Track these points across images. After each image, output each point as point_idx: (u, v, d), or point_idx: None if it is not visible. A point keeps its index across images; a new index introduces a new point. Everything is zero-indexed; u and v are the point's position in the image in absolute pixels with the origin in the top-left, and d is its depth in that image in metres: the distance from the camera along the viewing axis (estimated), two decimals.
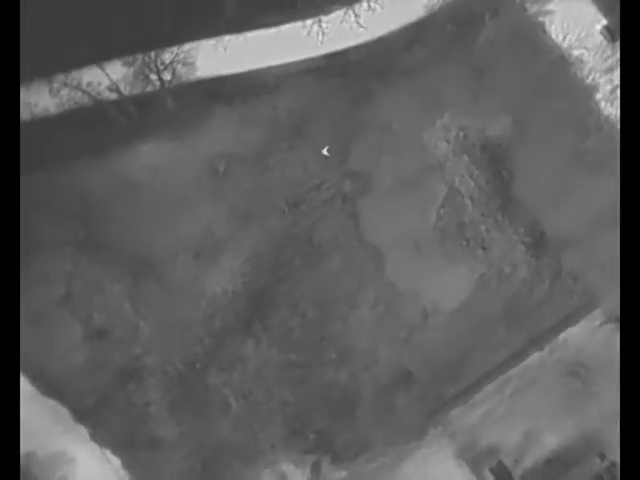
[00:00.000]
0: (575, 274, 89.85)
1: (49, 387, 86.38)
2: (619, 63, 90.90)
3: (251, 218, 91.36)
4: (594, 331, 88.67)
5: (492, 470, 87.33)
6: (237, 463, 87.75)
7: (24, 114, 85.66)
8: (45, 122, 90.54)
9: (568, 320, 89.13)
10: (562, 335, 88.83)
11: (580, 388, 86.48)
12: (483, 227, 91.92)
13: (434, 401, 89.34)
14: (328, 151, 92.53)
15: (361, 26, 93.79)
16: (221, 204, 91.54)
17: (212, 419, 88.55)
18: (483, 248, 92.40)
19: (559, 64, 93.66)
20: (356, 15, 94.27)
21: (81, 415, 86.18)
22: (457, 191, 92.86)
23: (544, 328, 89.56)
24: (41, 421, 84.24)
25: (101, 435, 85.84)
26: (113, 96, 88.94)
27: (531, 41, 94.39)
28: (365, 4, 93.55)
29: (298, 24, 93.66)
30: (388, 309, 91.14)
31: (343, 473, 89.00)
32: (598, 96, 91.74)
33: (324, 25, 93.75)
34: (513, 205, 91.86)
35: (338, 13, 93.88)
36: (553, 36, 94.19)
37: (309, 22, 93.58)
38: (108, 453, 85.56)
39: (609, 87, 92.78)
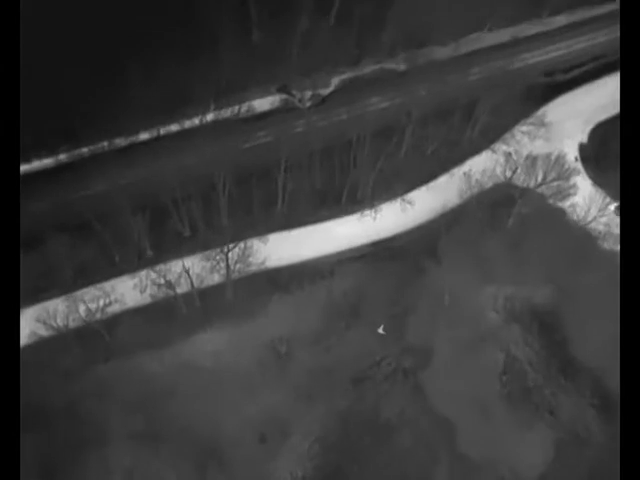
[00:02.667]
0: None
1: None
2: None
3: (316, 398, 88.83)
4: None
5: None
6: None
7: None
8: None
9: None
10: None
11: None
12: (547, 391, 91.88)
13: None
14: (384, 329, 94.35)
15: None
16: (285, 385, 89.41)
17: None
18: (551, 412, 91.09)
19: (585, 237, 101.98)
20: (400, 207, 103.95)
21: None
22: (515, 358, 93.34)
23: None
24: None
25: None
26: (184, 289, 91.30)
27: (556, 220, 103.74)
28: (405, 195, 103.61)
29: (345, 218, 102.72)
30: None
31: None
32: None
33: (367, 218, 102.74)
34: (574, 367, 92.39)
35: (380, 207, 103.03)
36: (574, 217, 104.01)
37: (354, 217, 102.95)
38: None
39: None
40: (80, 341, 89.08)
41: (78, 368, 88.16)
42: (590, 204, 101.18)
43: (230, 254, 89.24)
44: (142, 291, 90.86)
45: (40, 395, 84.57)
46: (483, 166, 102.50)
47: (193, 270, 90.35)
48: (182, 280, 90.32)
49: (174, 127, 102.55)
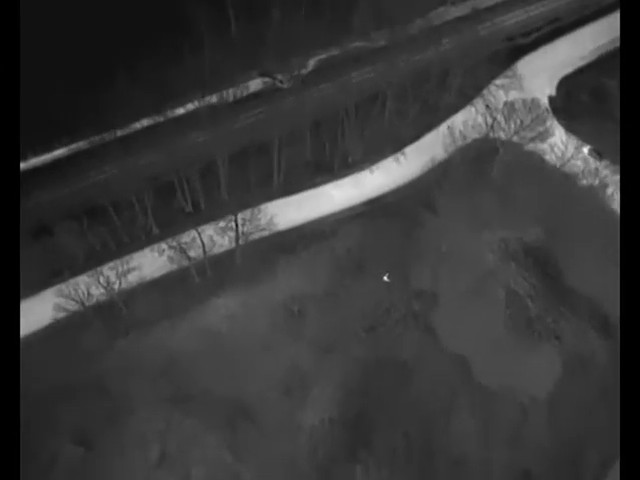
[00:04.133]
0: None
1: None
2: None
3: (332, 349, 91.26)
4: None
5: None
6: None
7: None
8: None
9: None
10: None
11: None
12: (549, 319, 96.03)
13: None
14: (388, 277, 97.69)
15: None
16: (302, 341, 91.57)
17: None
18: (555, 338, 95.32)
19: (564, 177, 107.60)
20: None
21: None
22: (515, 292, 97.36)
23: None
24: None
25: None
26: (198, 257, 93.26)
27: (536, 165, 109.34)
28: (395, 156, 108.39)
29: (339, 182, 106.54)
30: (486, 411, 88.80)
31: None
32: (608, 193, 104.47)
33: (361, 179, 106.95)
34: (570, 295, 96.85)
35: (371, 168, 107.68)
36: (552, 163, 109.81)
37: (347, 180, 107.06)
38: None
39: (610, 190, 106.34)
40: (100, 317, 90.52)
41: (101, 344, 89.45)
42: (565, 148, 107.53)
43: (238, 221, 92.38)
44: (159, 254, 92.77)
45: (67, 371, 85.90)
46: (465, 120, 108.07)
47: (197, 242, 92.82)
48: (192, 250, 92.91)
49: (170, 114, 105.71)
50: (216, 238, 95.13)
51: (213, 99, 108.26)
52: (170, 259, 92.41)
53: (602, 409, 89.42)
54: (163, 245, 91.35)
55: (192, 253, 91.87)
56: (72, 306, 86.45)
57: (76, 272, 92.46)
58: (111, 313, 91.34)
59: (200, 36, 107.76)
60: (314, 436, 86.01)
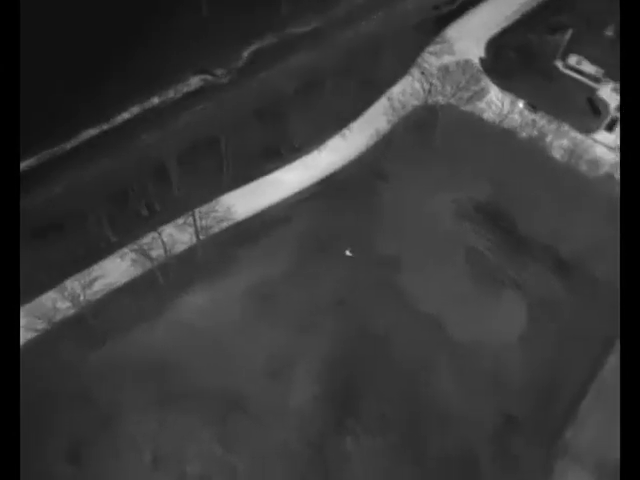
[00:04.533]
0: (609, 279, 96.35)
1: None
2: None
3: (308, 327, 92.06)
4: None
5: None
6: None
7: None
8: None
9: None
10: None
11: None
12: (509, 268, 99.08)
13: (547, 431, 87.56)
14: (351, 252, 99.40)
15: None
16: (277, 324, 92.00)
17: None
18: (517, 285, 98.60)
19: (504, 132, 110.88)
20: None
21: None
22: (474, 248, 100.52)
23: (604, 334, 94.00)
24: None
25: None
26: (161, 258, 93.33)
27: (476, 125, 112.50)
28: (340, 133, 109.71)
29: (288, 167, 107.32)
30: (463, 364, 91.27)
31: None
32: (547, 142, 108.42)
33: (309, 161, 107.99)
34: (526, 243, 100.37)
35: (319, 148, 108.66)
36: (490, 120, 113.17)
37: (296, 163, 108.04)
38: None
39: (549, 138, 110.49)
40: (71, 332, 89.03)
41: (77, 357, 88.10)
42: (502, 105, 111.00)
43: (196, 216, 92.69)
44: (122, 259, 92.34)
45: (51, 386, 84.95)
46: (403, 89, 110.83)
47: (158, 242, 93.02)
48: (154, 251, 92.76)
49: (115, 121, 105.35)
50: (177, 236, 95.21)
51: (155, 101, 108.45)
52: (134, 262, 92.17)
53: (568, 344, 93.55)
54: (125, 249, 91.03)
55: (154, 254, 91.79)
56: (41, 325, 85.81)
57: (41, 290, 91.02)
58: (82, 326, 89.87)
59: (134, 39, 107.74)
60: (303, 415, 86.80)
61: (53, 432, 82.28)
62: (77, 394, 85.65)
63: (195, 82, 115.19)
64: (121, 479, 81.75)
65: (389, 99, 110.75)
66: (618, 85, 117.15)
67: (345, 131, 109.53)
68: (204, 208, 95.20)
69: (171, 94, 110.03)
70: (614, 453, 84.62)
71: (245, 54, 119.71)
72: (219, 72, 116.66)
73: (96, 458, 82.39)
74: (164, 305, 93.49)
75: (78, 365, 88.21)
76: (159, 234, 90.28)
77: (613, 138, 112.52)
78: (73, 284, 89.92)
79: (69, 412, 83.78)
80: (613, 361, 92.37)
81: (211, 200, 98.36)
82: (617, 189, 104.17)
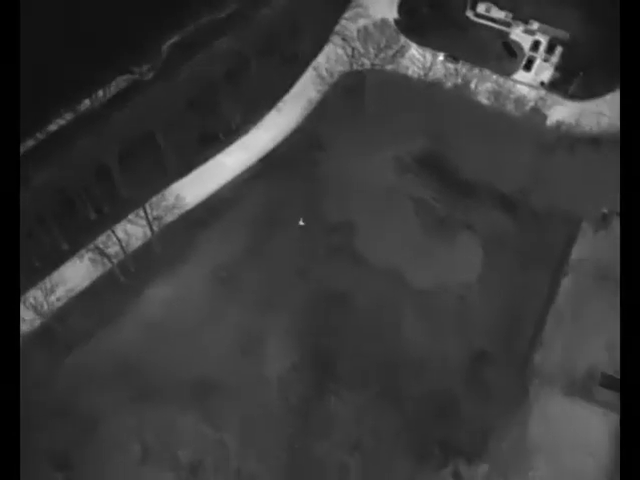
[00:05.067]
0: (549, 208, 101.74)
1: None
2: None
3: (273, 301, 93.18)
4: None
5: (602, 385, 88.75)
6: None
7: None
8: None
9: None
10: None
11: None
12: (459, 213, 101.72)
13: (517, 358, 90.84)
14: (303, 221, 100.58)
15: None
16: (241, 303, 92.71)
17: None
18: (469, 227, 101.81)
19: (429, 86, 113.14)
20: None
21: None
22: (420, 199, 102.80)
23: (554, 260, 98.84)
24: None
25: None
26: (119, 256, 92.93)
27: (402, 82, 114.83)
28: (274, 110, 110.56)
29: (228, 149, 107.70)
30: (429, 311, 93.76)
31: (484, 467, 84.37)
32: (472, 88, 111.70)
33: (247, 142, 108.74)
34: (469, 187, 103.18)
35: (256, 127, 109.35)
36: (416, 76, 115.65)
37: (235, 145, 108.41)
38: None
39: (473, 84, 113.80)
40: (38, 343, 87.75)
41: (47, 368, 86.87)
42: (424, 59, 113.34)
43: (147, 210, 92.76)
44: (80, 260, 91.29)
45: (26, 402, 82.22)
46: (327, 57, 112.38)
47: (114, 240, 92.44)
48: (111, 250, 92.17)
49: (49, 129, 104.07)
50: (131, 232, 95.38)
51: (86, 104, 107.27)
52: (92, 264, 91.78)
53: (523, 275, 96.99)
54: (82, 252, 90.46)
55: (112, 253, 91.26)
56: None
57: None
58: (48, 336, 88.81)
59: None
60: (283, 385, 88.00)
61: (37, 445, 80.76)
62: (54, 406, 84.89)
63: (120, 83, 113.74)
64: (114, 478, 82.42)
65: (315, 69, 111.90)
66: (528, 26, 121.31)
67: (278, 107, 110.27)
68: (153, 200, 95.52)
69: (98, 97, 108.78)
70: (580, 370, 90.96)
71: (164, 48, 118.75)
72: (142, 69, 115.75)
73: (85, 462, 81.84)
74: (128, 303, 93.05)
75: (49, 377, 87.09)
76: (113, 232, 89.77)
77: (532, 76, 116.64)
78: (35, 294, 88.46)
79: (49, 424, 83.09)
80: (566, 285, 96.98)
81: (158, 193, 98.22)
82: (545, 122, 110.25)
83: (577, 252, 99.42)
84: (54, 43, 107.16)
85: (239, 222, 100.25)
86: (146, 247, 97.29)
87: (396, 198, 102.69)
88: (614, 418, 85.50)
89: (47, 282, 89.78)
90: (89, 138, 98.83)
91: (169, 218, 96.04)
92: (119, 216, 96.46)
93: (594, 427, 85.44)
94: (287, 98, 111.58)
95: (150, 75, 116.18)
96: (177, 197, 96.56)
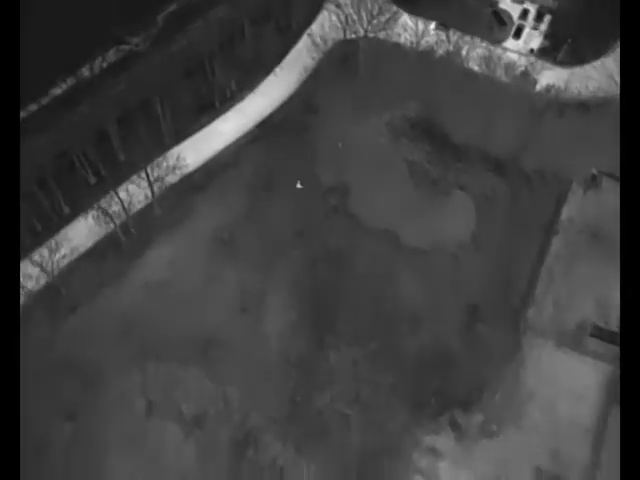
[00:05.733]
0: (539, 170, 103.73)
1: None
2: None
3: (271, 261, 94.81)
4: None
5: (593, 335, 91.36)
6: (386, 462, 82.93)
7: None
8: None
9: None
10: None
11: None
12: (452, 175, 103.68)
13: (510, 314, 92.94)
14: (301, 184, 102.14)
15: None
16: (241, 263, 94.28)
17: (340, 438, 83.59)
18: (462, 188, 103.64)
19: (421, 53, 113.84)
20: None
21: None
22: (414, 162, 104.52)
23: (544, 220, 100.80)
24: None
25: None
26: (122, 218, 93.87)
27: (394, 50, 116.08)
28: (270, 77, 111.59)
29: (225, 116, 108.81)
30: (424, 269, 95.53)
31: (479, 416, 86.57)
32: (463, 55, 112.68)
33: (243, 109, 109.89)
34: (460, 150, 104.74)
35: (251, 94, 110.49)
36: (408, 44, 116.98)
37: (232, 112, 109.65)
38: None
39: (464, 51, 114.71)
40: (42, 304, 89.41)
41: (51, 327, 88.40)
42: (416, 27, 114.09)
43: (148, 172, 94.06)
44: (85, 219, 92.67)
45: (30, 362, 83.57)
46: (322, 25, 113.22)
47: (116, 202, 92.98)
48: (114, 212, 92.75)
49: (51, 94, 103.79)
50: (133, 195, 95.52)
51: (86, 72, 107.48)
52: (96, 222, 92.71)
53: (516, 234, 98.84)
54: (83, 215, 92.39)
55: (114, 213, 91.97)
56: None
57: None
58: (52, 295, 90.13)
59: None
60: (283, 339, 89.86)
61: (43, 401, 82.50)
62: (59, 361, 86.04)
63: (115, 54, 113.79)
64: (119, 431, 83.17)
65: (310, 36, 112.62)
66: None
67: (274, 74, 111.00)
68: (154, 163, 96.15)
69: (99, 64, 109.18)
70: (571, 323, 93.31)
71: (159, 18, 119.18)
72: (136, 40, 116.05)
73: (89, 420, 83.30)
74: (129, 264, 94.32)
75: (54, 334, 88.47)
76: (116, 193, 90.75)
77: (522, 44, 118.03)
78: (42, 252, 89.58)
79: (56, 378, 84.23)
80: (556, 243, 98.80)
81: (157, 157, 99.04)
82: (535, 86, 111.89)
83: (567, 212, 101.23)
84: (53, 13, 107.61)
85: (237, 185, 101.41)
86: (147, 210, 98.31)
87: (390, 161, 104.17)
88: (603, 367, 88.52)
89: (52, 242, 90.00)
90: (89, 104, 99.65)
91: (170, 179, 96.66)
92: (119, 180, 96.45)
93: (585, 376, 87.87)
94: (282, 65, 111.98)
95: (147, 44, 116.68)
96: (178, 158, 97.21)
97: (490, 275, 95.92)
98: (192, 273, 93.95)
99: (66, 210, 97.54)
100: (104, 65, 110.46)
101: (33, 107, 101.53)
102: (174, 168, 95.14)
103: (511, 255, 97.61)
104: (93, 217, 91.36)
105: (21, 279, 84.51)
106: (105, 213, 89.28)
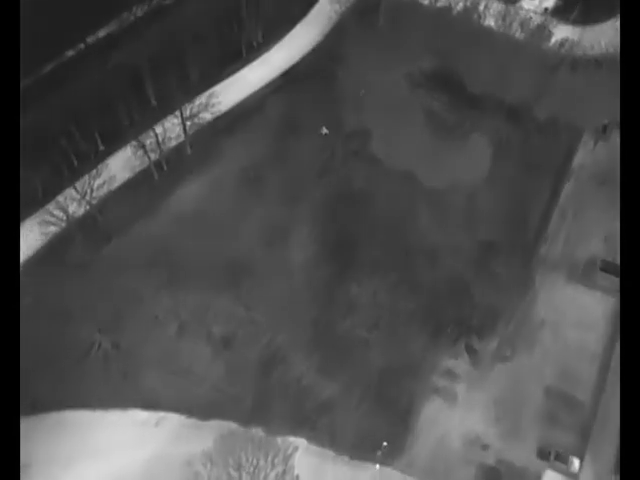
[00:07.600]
0: (552, 119, 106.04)
1: (207, 413, 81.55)
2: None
3: (296, 198, 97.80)
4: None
5: (603, 269, 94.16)
6: (405, 382, 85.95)
7: None
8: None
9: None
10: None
11: None
12: (468, 123, 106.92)
13: (524, 250, 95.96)
14: (326, 129, 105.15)
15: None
16: (267, 200, 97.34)
17: (361, 359, 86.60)
18: (477, 133, 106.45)
19: (439, 10, 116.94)
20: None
21: (248, 421, 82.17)
22: (432, 111, 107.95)
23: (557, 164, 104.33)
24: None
25: (274, 430, 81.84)
26: (156, 154, 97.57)
27: (414, 4, 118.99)
28: (294, 29, 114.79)
29: (251, 65, 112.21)
30: (441, 206, 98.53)
31: (494, 342, 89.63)
32: (480, 11, 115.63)
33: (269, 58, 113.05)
34: (476, 100, 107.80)
35: (277, 45, 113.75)
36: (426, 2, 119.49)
37: (259, 61, 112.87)
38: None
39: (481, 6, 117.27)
40: (81, 231, 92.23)
41: (87, 255, 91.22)
42: None
43: (184, 113, 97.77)
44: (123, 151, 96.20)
45: (66, 287, 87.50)
46: None
47: (152, 138, 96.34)
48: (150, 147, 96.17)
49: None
50: (167, 131, 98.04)
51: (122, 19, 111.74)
52: (134, 155, 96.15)
53: (529, 176, 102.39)
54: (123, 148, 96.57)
55: (149, 149, 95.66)
56: (56, 223, 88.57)
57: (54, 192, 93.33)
58: (89, 224, 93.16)
59: None
60: (307, 270, 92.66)
61: (83, 319, 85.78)
62: (95, 285, 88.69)
63: (144, 8, 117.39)
64: (152, 350, 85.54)
65: None
66: None
67: (298, 27, 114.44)
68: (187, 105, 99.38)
69: (134, 13, 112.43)
70: (582, 259, 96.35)
71: None
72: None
73: (125, 339, 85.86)
74: (161, 199, 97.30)
75: (91, 261, 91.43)
76: (153, 129, 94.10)
77: (536, 3, 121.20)
78: (83, 182, 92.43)
79: (92, 301, 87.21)
80: (568, 188, 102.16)
81: (188, 101, 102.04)
82: (549, 41, 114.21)
83: (578, 159, 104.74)
84: None
85: (263, 129, 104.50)
86: (178, 148, 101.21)
87: (409, 109, 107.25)
88: (611, 300, 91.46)
89: (93, 173, 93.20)
90: (123, 50, 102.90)
91: (202, 118, 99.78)
92: (154, 120, 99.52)
93: (594, 307, 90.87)
94: (307, 19, 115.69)
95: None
96: (210, 95, 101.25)
97: (504, 214, 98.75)
98: (220, 209, 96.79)
99: (101, 148, 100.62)
100: (139, 14, 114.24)
101: (70, 52, 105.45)
102: (206, 105, 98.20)
103: (524, 196, 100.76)
104: (131, 149, 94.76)
105: (63, 202, 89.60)
106: (142, 146, 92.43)
